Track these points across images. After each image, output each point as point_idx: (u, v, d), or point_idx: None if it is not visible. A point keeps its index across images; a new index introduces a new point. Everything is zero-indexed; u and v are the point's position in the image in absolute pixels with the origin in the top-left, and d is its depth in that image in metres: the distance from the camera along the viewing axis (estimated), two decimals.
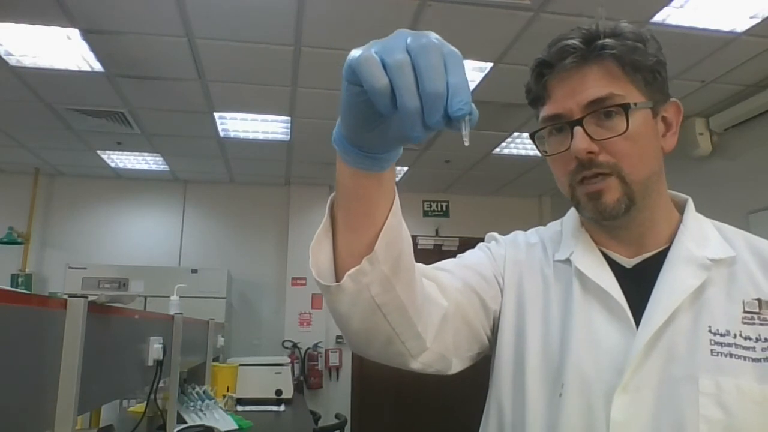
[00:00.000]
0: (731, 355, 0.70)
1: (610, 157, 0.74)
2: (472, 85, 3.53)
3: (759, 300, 0.72)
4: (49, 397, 0.98)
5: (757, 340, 0.70)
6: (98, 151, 4.93)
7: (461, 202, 6.20)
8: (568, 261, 0.82)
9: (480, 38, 2.99)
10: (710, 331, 0.72)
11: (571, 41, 0.77)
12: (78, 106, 3.91)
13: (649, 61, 0.77)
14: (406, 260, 0.67)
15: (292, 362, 4.77)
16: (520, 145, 4.66)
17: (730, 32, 2.90)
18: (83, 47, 3.07)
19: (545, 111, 0.79)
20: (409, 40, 0.46)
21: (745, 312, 0.72)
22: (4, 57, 3.17)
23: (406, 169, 5.33)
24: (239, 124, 4.30)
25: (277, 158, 5.12)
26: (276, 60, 3.23)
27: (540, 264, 0.86)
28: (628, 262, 0.80)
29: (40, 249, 5.47)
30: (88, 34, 2.95)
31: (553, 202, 6.24)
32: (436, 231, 6.05)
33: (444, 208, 6.16)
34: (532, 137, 0.82)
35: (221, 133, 4.45)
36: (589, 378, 0.73)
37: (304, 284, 5.71)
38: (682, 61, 3.21)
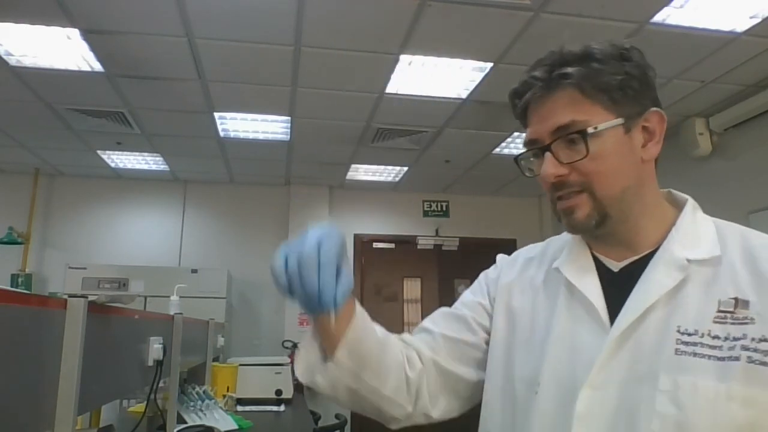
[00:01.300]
0: (695, 354, 0.72)
1: (580, 176, 0.80)
2: (472, 85, 3.54)
3: (736, 299, 0.74)
4: (49, 397, 0.98)
5: (726, 339, 0.72)
6: (98, 151, 4.94)
7: (461, 202, 6.19)
8: (557, 269, 0.89)
9: (480, 38, 2.99)
10: (678, 330, 0.74)
11: (535, 72, 0.83)
12: (78, 106, 3.91)
13: (615, 80, 0.79)
14: (373, 358, 0.87)
15: (292, 362, 4.76)
16: (520, 145, 4.65)
17: (730, 32, 2.90)
18: (83, 47, 3.07)
19: (526, 136, 0.87)
20: (302, 248, 0.72)
21: (718, 311, 0.74)
22: (4, 57, 3.17)
23: (406, 169, 5.33)
24: (239, 124, 4.30)
25: (277, 158, 5.12)
26: (276, 60, 3.23)
27: (531, 278, 0.93)
28: (616, 266, 0.84)
29: (40, 249, 5.47)
30: (88, 34, 2.95)
31: None
32: (436, 231, 6.05)
33: (444, 208, 6.15)
34: (515, 160, 0.89)
35: (221, 133, 4.45)
36: (562, 376, 0.79)
37: None
38: (682, 61, 3.21)
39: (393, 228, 6.03)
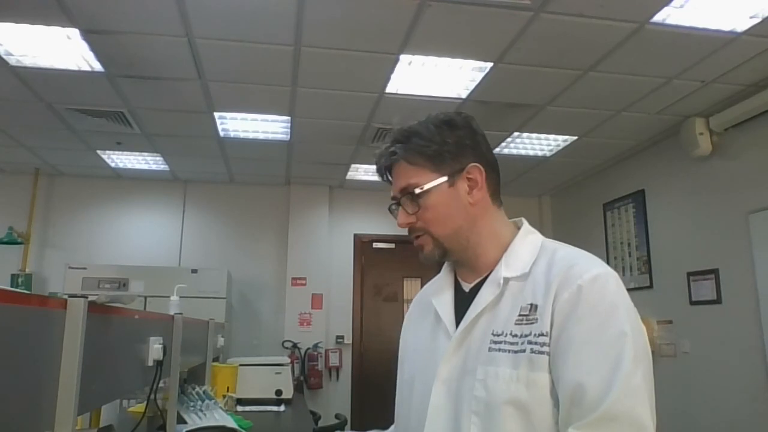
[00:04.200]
0: (500, 350, 0.94)
1: (421, 223, 1.04)
2: (472, 85, 3.54)
3: (531, 305, 0.94)
4: (49, 397, 0.98)
5: (521, 336, 0.93)
6: (98, 151, 4.94)
7: None
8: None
9: (480, 38, 2.99)
10: (492, 333, 0.96)
11: (377, 151, 1.08)
12: (78, 106, 3.91)
13: (431, 151, 1.02)
14: None
15: (292, 362, 4.77)
16: (520, 145, 4.66)
17: (730, 32, 2.90)
18: (83, 47, 3.07)
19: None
20: None
21: (519, 315, 0.95)
22: (4, 57, 3.17)
23: None
24: (239, 124, 4.30)
25: (277, 158, 5.12)
26: (276, 60, 3.23)
27: (422, 307, 1.17)
28: (467, 287, 1.07)
29: (40, 249, 5.47)
30: (88, 34, 2.95)
31: (552, 201, 6.23)
32: None
33: None
34: (389, 209, 1.11)
35: (221, 133, 4.45)
36: (425, 374, 1.03)
37: (304, 284, 5.72)
38: (682, 61, 3.21)
39: (393, 228, 5.87)
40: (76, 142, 4.63)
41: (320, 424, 4.13)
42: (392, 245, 6.07)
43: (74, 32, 2.92)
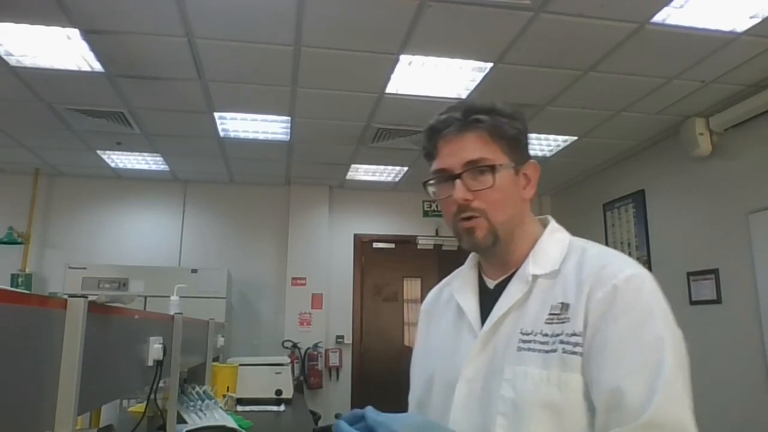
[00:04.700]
0: (530, 349, 0.91)
1: (480, 203, 0.97)
2: (472, 85, 3.54)
3: (562, 303, 0.91)
4: (49, 397, 0.98)
5: (552, 335, 0.90)
6: (98, 151, 4.93)
7: None
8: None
9: (480, 38, 2.99)
10: (521, 331, 0.93)
11: (454, 114, 1.00)
12: (78, 106, 3.91)
13: (512, 132, 0.99)
14: None
15: (292, 362, 4.77)
16: None
17: (730, 32, 2.90)
18: (83, 47, 3.07)
19: (434, 165, 1.02)
20: None
21: (549, 314, 0.92)
22: (4, 57, 3.17)
23: (406, 169, 5.33)
24: (239, 124, 4.30)
25: (277, 158, 5.12)
26: (276, 60, 3.23)
27: (441, 302, 1.14)
28: (492, 284, 1.04)
29: (40, 249, 5.47)
30: (88, 34, 2.95)
31: (553, 201, 6.24)
32: (436, 231, 6.04)
33: None
34: (424, 185, 1.05)
35: (221, 133, 4.45)
36: (446, 373, 1.00)
37: (304, 284, 5.72)
38: (682, 61, 3.21)
39: (393, 228, 6.02)
40: (76, 142, 4.63)
41: (320, 423, 4.14)
42: (392, 245, 6.07)
43: (74, 32, 2.92)
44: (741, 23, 2.82)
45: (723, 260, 3.84)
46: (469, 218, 0.98)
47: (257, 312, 5.77)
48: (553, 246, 1.00)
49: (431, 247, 6.03)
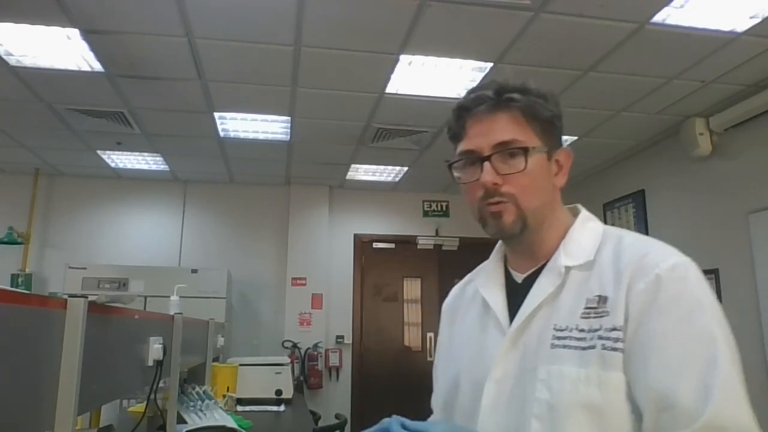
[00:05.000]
0: (565, 346, 0.84)
1: (510, 188, 0.90)
2: (472, 85, 3.53)
3: (599, 296, 0.85)
4: (49, 397, 0.98)
5: (590, 330, 0.83)
6: (98, 151, 4.93)
7: (461, 201, 6.09)
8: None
9: (480, 38, 2.99)
10: (554, 327, 0.86)
11: (486, 92, 0.92)
12: (78, 106, 3.91)
13: (547, 114, 0.92)
14: None
15: (292, 362, 4.77)
16: None
17: (730, 32, 2.90)
18: (83, 47, 3.07)
19: (461, 146, 0.94)
20: None
21: (585, 308, 0.85)
22: (4, 57, 3.17)
23: (406, 169, 5.33)
24: (239, 124, 4.30)
25: (277, 158, 5.12)
26: (276, 60, 3.23)
27: (466, 299, 1.08)
28: (520, 278, 0.97)
29: (40, 249, 5.47)
30: (88, 34, 2.95)
31: None
32: (436, 231, 6.05)
33: (444, 208, 6.16)
34: (449, 167, 0.98)
35: (221, 133, 4.45)
36: (473, 373, 0.94)
37: (304, 284, 5.72)
38: (682, 61, 3.21)
39: (393, 228, 6.02)
40: (76, 142, 4.63)
41: (320, 424, 4.14)
42: (392, 245, 6.06)
43: (74, 32, 2.92)
44: (741, 23, 2.82)
45: (723, 260, 3.83)
46: (497, 203, 0.91)
47: (257, 312, 5.77)
48: (586, 235, 0.93)
49: (431, 247, 6.03)
